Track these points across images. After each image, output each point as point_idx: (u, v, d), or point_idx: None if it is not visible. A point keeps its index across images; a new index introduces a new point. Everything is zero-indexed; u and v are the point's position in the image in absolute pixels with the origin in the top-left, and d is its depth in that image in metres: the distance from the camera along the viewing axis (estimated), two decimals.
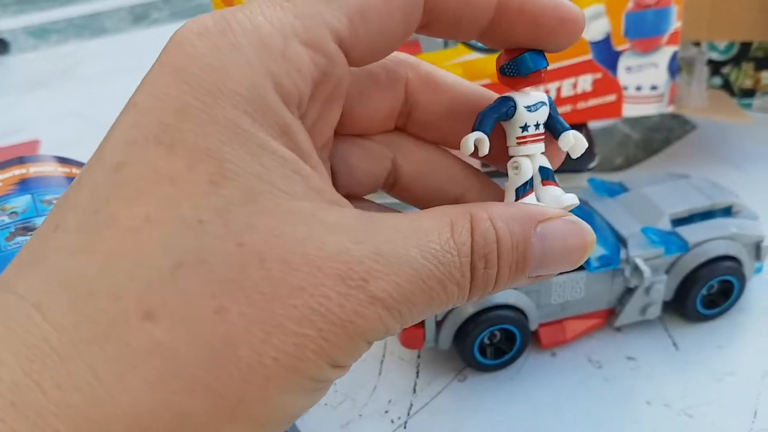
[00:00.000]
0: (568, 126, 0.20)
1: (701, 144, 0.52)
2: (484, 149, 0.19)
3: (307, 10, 0.17)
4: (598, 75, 0.43)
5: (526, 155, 0.20)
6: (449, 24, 0.19)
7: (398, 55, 0.21)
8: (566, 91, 0.43)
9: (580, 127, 0.44)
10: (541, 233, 0.18)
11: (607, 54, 0.42)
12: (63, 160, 0.38)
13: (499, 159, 0.21)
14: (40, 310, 0.15)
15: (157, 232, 0.15)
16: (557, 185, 0.20)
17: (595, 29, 0.42)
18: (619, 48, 0.42)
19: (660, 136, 0.53)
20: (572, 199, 0.20)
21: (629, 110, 0.44)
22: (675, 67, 0.44)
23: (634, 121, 0.54)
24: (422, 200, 0.22)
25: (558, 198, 0.20)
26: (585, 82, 0.43)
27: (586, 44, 0.42)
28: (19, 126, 0.64)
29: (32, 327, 0.15)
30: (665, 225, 0.36)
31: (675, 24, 0.42)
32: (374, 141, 0.21)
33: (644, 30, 0.42)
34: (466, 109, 0.21)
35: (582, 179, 0.42)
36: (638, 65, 0.43)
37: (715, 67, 0.52)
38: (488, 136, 0.19)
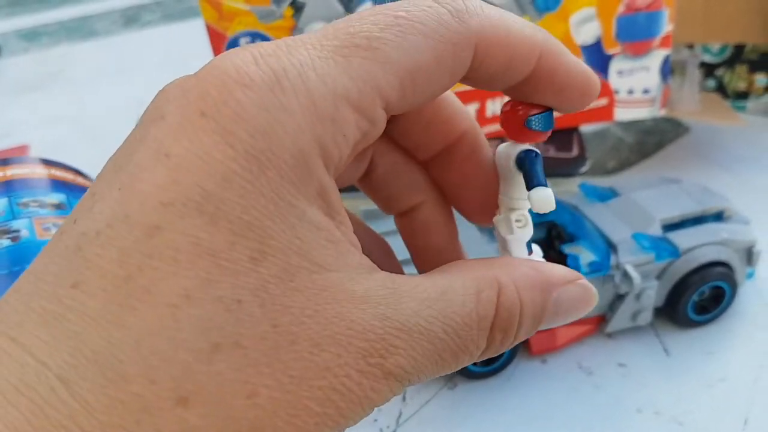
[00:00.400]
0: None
1: (694, 147, 0.51)
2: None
3: (361, 71, 0.16)
4: None
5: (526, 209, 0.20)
6: (486, 80, 0.19)
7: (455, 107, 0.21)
8: None
9: (571, 131, 0.44)
10: (557, 299, 0.19)
11: (598, 57, 0.42)
12: (48, 162, 0.37)
13: (477, 212, 0.22)
14: (66, 386, 0.14)
15: (196, 311, 0.14)
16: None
17: (586, 33, 0.41)
18: (610, 51, 0.42)
19: (653, 139, 0.52)
20: (541, 254, 0.21)
21: (621, 114, 0.44)
22: (667, 71, 0.43)
23: (627, 125, 0.53)
24: (386, 199, 0.22)
25: (538, 252, 0.21)
26: None
27: (577, 48, 0.42)
28: (9, 130, 0.64)
29: (59, 404, 0.14)
30: (656, 230, 0.35)
31: (667, 27, 0.42)
32: None
33: (636, 33, 0.42)
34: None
35: (573, 184, 0.42)
36: (630, 69, 0.43)
37: (708, 69, 0.52)
38: None
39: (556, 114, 0.20)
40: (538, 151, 0.20)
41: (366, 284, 0.16)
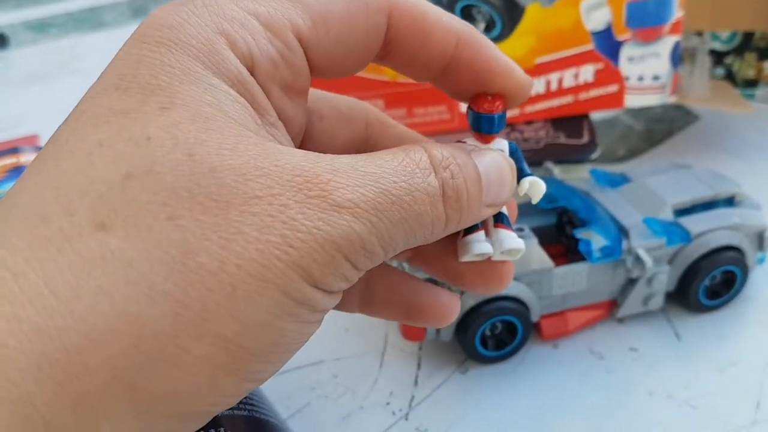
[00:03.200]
0: (529, 172, 0.21)
1: (704, 135, 0.51)
2: None
3: (272, 4, 0.18)
4: (600, 65, 0.42)
5: None
6: (405, 62, 0.20)
7: (358, 102, 0.23)
8: (568, 81, 0.43)
9: (581, 118, 0.44)
10: (477, 158, 0.19)
11: (608, 44, 0.42)
12: None
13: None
14: None
15: (108, 152, 0.15)
16: (509, 229, 0.21)
17: (597, 19, 0.41)
18: (620, 38, 0.42)
19: (662, 127, 0.52)
20: (516, 243, 0.21)
21: (631, 101, 0.44)
22: (677, 57, 0.43)
23: (636, 112, 0.53)
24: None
25: (502, 240, 0.21)
26: (587, 72, 0.43)
27: (588, 34, 0.42)
28: (19, 120, 0.64)
29: None
30: (667, 215, 0.35)
31: (677, 13, 0.42)
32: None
33: (646, 19, 0.42)
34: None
35: (584, 170, 0.42)
36: (640, 55, 0.43)
37: (717, 57, 0.52)
38: None
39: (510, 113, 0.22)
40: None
41: (289, 148, 0.17)
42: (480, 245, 0.21)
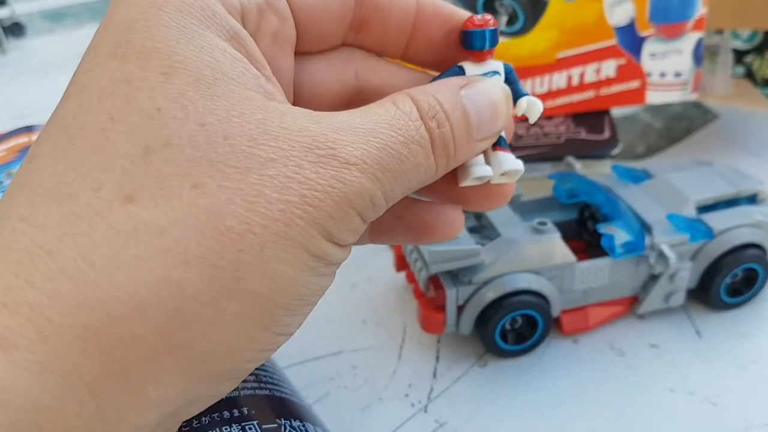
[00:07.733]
0: (524, 93, 0.21)
1: (723, 134, 0.51)
2: None
3: None
4: (622, 61, 0.42)
5: None
6: (378, 33, 0.21)
7: (345, 51, 0.23)
8: (590, 76, 0.42)
9: (603, 113, 0.44)
10: (467, 95, 0.20)
11: (631, 39, 0.42)
12: None
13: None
14: (24, 220, 0.15)
15: (121, 126, 0.15)
16: (507, 151, 0.21)
17: (620, 14, 0.41)
18: (643, 33, 0.42)
19: (682, 125, 0.52)
20: (515, 165, 0.21)
21: (653, 97, 0.44)
22: (700, 54, 0.43)
23: (655, 110, 0.53)
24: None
25: (501, 163, 0.21)
26: (609, 67, 0.42)
27: (611, 29, 0.41)
28: (34, 110, 0.64)
29: (18, 235, 0.15)
30: (690, 212, 0.35)
31: (700, 10, 0.42)
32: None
33: (669, 15, 0.42)
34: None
35: (605, 165, 0.41)
36: (663, 51, 0.42)
37: (737, 56, 0.52)
38: None
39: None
40: (461, 67, 0.21)
41: (290, 106, 0.17)
42: (479, 169, 0.21)
